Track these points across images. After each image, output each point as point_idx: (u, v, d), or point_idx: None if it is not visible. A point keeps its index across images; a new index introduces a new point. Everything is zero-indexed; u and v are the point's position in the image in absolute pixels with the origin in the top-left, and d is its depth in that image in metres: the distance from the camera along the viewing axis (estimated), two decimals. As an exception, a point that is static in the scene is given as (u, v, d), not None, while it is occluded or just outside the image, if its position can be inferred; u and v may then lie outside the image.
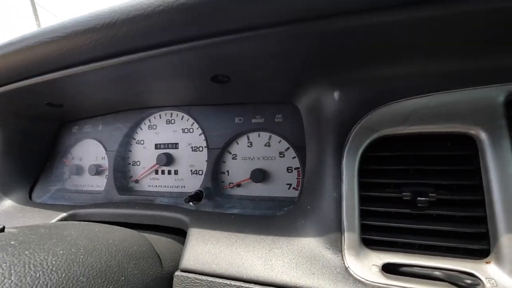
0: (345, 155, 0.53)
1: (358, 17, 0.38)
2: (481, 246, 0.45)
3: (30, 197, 0.95)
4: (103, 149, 0.97)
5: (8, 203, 0.87)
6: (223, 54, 0.50)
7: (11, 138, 0.93)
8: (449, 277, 0.42)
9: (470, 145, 0.49)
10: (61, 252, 0.41)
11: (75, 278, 0.38)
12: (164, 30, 0.44)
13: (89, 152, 1.01)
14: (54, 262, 0.38)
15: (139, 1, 0.42)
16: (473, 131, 0.47)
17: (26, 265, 0.36)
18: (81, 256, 0.42)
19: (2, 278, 0.33)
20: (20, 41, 0.55)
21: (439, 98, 0.49)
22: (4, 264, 0.34)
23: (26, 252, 0.38)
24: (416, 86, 0.50)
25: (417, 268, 0.45)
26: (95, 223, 0.56)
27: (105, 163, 0.97)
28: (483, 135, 0.47)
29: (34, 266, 0.36)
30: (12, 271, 0.34)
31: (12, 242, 0.39)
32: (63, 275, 0.37)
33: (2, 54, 0.58)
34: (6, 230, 0.45)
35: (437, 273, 0.43)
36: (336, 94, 0.55)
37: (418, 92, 0.50)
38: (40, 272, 0.36)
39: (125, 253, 0.48)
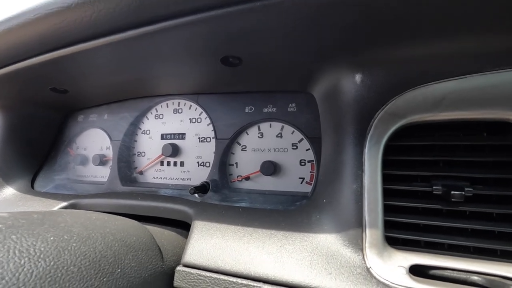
0: (367, 144, 0.48)
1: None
2: (524, 249, 0.39)
3: (32, 186, 0.92)
4: (108, 139, 0.94)
5: (9, 191, 0.85)
6: (236, 29, 0.45)
7: (15, 125, 0.91)
8: (491, 283, 0.36)
9: (510, 133, 0.43)
10: (51, 238, 0.37)
11: (65, 268, 0.34)
12: (172, -2, 0.40)
13: (94, 141, 0.98)
14: (42, 249, 0.34)
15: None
16: (515, 117, 0.42)
17: (11, 251, 0.32)
18: (74, 244, 0.38)
19: None
20: (19, 16, 0.51)
21: (476, 81, 0.43)
22: None
23: (13, 236, 0.34)
24: (450, 67, 0.44)
25: (450, 271, 0.40)
26: (94, 212, 0.53)
27: (109, 153, 0.93)
28: (527, 123, 0.41)
29: (20, 252, 0.32)
30: None
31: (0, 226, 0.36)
32: (52, 263, 0.33)
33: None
34: (-4, 214, 0.42)
35: (475, 277, 0.37)
36: (358, 77, 0.50)
37: (452, 74, 0.44)
38: (26, 259, 0.32)
39: (123, 243, 0.44)
